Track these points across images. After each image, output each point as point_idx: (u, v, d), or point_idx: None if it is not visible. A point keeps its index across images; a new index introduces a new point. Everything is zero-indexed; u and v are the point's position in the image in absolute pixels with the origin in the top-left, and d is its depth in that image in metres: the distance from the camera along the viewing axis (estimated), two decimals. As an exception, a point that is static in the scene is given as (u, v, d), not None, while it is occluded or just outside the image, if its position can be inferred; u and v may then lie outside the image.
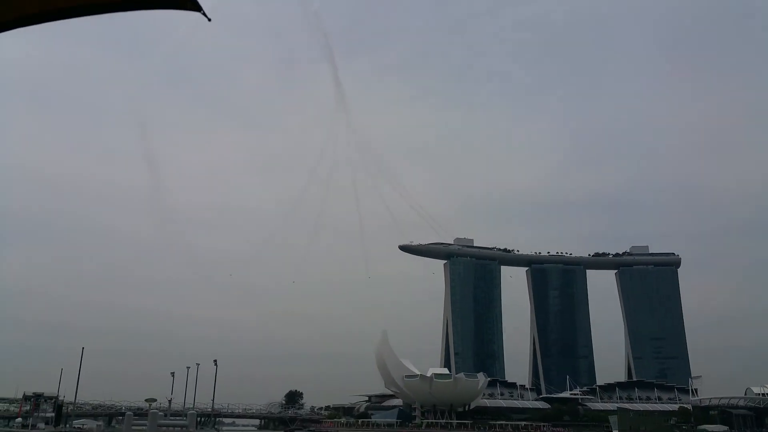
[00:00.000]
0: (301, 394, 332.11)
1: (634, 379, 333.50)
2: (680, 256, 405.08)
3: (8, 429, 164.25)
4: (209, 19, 6.35)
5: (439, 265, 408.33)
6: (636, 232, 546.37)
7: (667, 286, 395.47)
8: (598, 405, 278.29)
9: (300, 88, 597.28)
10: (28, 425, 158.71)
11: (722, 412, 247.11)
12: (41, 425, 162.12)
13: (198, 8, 6.04)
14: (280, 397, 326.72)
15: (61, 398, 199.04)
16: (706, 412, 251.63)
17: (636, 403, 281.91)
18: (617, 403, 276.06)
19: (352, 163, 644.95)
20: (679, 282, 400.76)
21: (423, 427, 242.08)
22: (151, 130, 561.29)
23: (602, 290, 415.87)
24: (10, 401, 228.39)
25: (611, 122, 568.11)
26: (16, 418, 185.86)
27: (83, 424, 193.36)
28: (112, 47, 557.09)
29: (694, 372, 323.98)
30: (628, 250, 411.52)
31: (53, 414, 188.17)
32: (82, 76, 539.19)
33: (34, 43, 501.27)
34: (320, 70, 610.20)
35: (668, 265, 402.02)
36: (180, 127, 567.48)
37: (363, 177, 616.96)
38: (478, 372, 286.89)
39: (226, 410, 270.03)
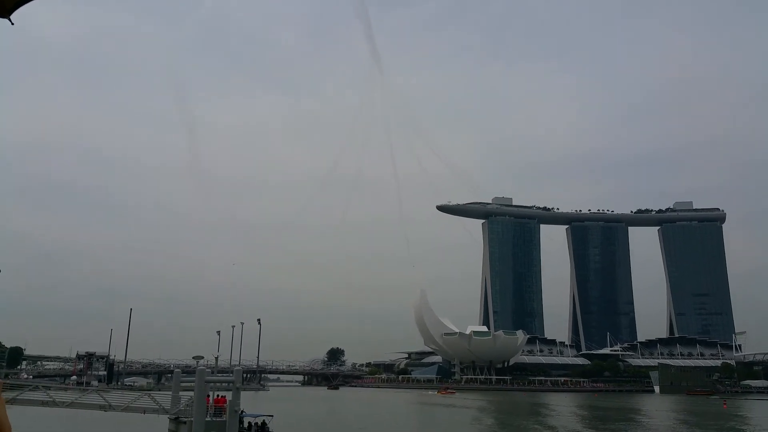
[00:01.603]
0: (343, 351, 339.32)
1: (676, 335, 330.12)
2: (725, 212, 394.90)
3: (64, 386, 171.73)
4: (13, 23, 5.86)
5: (476, 224, 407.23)
6: (680, 188, 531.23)
7: (711, 242, 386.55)
8: (639, 361, 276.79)
9: (335, 49, 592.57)
10: (82, 383, 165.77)
11: (767, 368, 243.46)
12: (94, 383, 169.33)
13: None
14: (322, 354, 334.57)
15: (112, 357, 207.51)
16: (750, 368, 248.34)
17: (678, 359, 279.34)
18: (658, 359, 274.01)
19: (387, 123, 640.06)
20: (724, 238, 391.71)
21: (462, 383, 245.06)
22: (189, 96, 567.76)
23: (644, 247, 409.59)
24: (65, 360, 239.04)
25: (655, 76, 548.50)
26: (71, 376, 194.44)
27: (134, 382, 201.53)
28: (148, 14, 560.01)
29: (738, 328, 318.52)
30: (672, 206, 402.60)
31: (105, 372, 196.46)
32: (120, 43, 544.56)
33: (71, 14, 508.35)
34: (355, 29, 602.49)
35: (713, 220, 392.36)
36: (217, 92, 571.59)
37: (399, 138, 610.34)
38: (517, 329, 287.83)
39: (270, 367, 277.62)
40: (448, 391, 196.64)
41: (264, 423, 54.34)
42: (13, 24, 5.96)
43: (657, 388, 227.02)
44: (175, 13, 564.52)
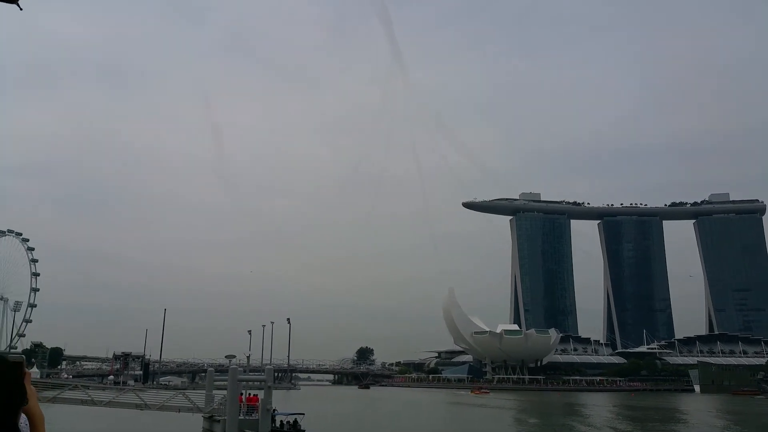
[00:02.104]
0: (372, 350, 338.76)
1: (716, 332, 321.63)
2: (765, 203, 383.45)
3: (102, 385, 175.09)
4: (21, 8, 5.77)
5: (504, 220, 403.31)
6: (715, 179, 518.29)
7: (750, 235, 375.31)
8: (678, 359, 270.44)
9: (356, 47, 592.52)
10: (119, 382, 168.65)
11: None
12: (131, 382, 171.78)
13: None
14: (351, 353, 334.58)
15: (147, 357, 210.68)
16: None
17: (718, 356, 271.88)
18: (698, 357, 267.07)
19: (410, 120, 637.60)
20: (765, 230, 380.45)
21: (494, 383, 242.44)
22: (214, 98, 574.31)
23: (680, 241, 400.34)
24: (103, 360, 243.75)
25: (687, 62, 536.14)
26: (109, 375, 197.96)
27: (169, 381, 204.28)
28: (171, 17, 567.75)
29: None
30: (707, 198, 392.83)
31: (141, 372, 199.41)
32: (145, 47, 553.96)
33: (96, 19, 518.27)
34: (375, 25, 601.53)
35: (751, 212, 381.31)
36: (240, 93, 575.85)
37: (422, 134, 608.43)
38: (550, 328, 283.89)
39: (301, 366, 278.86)
40: (482, 390, 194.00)
41: (296, 421, 54.04)
42: (21, 9, 5.68)
43: (697, 388, 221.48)
44: (197, 15, 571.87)
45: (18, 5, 5.63)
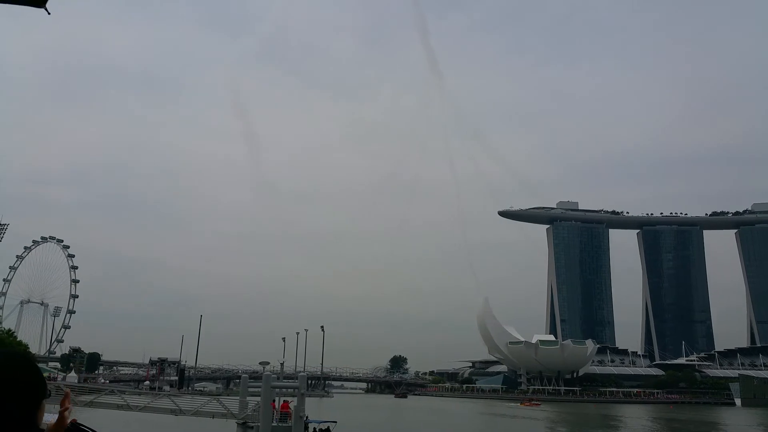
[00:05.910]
0: (405, 359, 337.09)
1: (758, 345, 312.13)
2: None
3: (138, 390, 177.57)
4: (49, 13, 5.68)
5: (540, 230, 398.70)
6: (758, 188, 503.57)
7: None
8: (718, 372, 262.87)
9: (392, 55, 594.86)
10: (155, 387, 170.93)
11: None
12: (166, 388, 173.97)
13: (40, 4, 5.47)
14: (384, 361, 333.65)
15: (183, 363, 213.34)
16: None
17: (761, 370, 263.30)
18: (739, 369, 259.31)
19: (446, 127, 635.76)
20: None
21: (529, 394, 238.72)
22: (248, 107, 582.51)
23: (721, 251, 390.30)
24: (139, 366, 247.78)
25: (728, 70, 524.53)
26: (145, 381, 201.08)
27: (204, 387, 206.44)
28: (208, 28, 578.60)
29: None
30: (750, 208, 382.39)
31: (177, 378, 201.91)
32: (182, 57, 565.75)
33: (135, 30, 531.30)
34: (411, 34, 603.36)
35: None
36: (275, 101, 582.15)
37: (458, 142, 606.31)
38: (587, 339, 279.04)
39: (334, 374, 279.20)
40: (533, 402, 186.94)
41: (328, 429, 54.09)
42: (49, 14, 5.55)
43: (738, 401, 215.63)
44: (235, 27, 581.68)
45: (46, 9, 5.61)
